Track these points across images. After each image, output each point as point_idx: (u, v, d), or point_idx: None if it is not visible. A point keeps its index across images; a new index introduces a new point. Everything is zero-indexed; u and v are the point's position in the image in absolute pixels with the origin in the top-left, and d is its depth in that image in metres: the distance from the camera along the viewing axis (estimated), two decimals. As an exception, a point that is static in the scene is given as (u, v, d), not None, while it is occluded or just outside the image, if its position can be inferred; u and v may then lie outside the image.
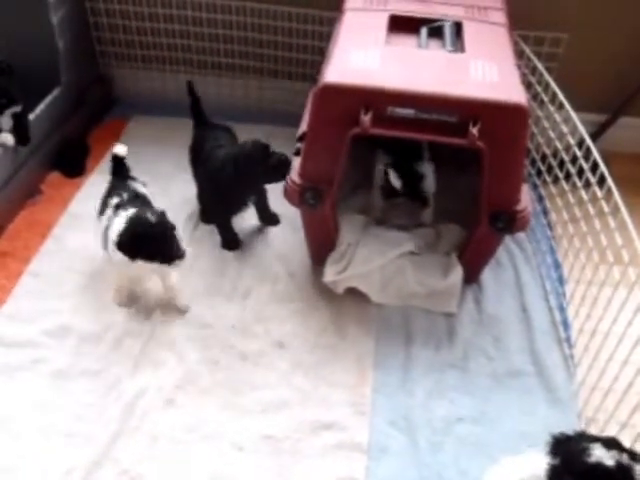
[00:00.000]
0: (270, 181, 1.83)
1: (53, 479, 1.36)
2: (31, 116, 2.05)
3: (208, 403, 1.52)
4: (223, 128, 2.03)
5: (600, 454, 1.05)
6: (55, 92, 2.19)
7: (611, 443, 1.08)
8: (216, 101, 2.47)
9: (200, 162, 1.93)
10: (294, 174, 1.62)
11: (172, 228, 1.60)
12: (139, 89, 2.54)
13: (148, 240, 1.56)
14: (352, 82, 1.49)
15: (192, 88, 2.02)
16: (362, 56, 1.58)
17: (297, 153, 1.67)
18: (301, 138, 1.66)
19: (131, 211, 1.63)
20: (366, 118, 1.45)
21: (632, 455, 1.06)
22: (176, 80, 2.47)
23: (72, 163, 2.23)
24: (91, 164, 2.25)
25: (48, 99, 2.15)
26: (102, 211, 1.74)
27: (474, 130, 1.44)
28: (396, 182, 1.75)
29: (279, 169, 1.73)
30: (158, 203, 2.07)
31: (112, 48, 2.47)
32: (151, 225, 1.57)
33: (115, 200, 1.71)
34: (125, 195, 1.72)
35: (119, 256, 1.59)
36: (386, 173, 1.77)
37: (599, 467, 1.04)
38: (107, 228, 1.67)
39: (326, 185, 1.59)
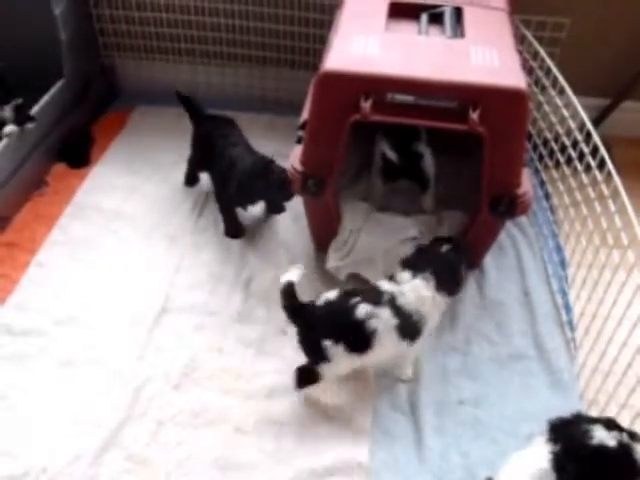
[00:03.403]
0: (273, 197, 1.88)
1: (61, 465, 1.38)
2: (35, 108, 2.07)
3: (213, 389, 1.54)
4: (226, 120, 2.04)
5: (601, 436, 1.06)
6: (59, 84, 2.21)
7: (610, 424, 1.09)
8: (219, 90, 2.49)
9: (214, 161, 1.94)
10: (296, 162, 1.63)
11: None
12: (142, 79, 2.55)
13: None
14: (352, 69, 1.49)
15: (181, 96, 2.04)
16: (362, 43, 1.58)
17: (299, 141, 1.67)
18: (303, 126, 1.66)
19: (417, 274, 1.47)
20: (366, 105, 1.46)
21: (631, 434, 1.07)
22: (179, 70, 2.49)
23: (77, 154, 2.25)
24: (95, 155, 2.26)
25: (52, 91, 2.17)
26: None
27: (474, 115, 1.44)
28: (392, 155, 1.77)
29: (279, 187, 1.75)
30: (161, 192, 2.12)
31: (114, 39, 2.48)
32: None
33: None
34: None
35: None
36: (382, 149, 1.78)
37: (602, 449, 1.05)
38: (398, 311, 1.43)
39: (327, 172, 1.60)
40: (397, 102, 1.49)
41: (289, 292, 1.44)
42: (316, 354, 1.44)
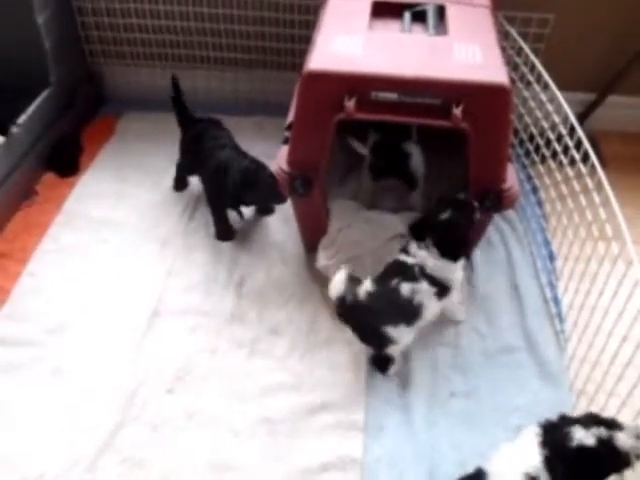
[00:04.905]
0: (264, 203, 1.91)
1: (58, 471, 1.39)
2: (22, 118, 2.06)
3: (207, 390, 1.54)
4: (214, 122, 2.05)
5: (580, 436, 1.09)
6: (45, 93, 2.20)
7: (589, 420, 1.11)
8: (206, 94, 2.50)
9: (202, 161, 1.95)
10: (282, 163, 1.64)
11: None
12: (129, 86, 2.56)
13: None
14: (335, 68, 1.50)
15: (177, 83, 2.03)
16: (345, 42, 1.59)
17: (285, 142, 1.69)
18: (289, 127, 1.67)
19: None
20: (350, 103, 1.47)
21: (611, 425, 1.09)
22: (165, 75, 2.46)
23: (66, 162, 2.24)
24: (85, 163, 2.26)
25: (38, 100, 2.16)
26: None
27: (457, 111, 1.46)
28: (361, 149, 1.79)
29: (270, 194, 1.77)
30: (151, 197, 2.12)
31: (100, 46, 2.48)
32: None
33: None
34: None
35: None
36: (351, 144, 1.80)
37: (582, 449, 1.08)
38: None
39: (314, 172, 1.61)
40: (381, 100, 1.50)
41: (342, 304, 1.52)
42: (381, 341, 1.53)
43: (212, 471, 1.40)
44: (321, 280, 1.78)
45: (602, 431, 1.08)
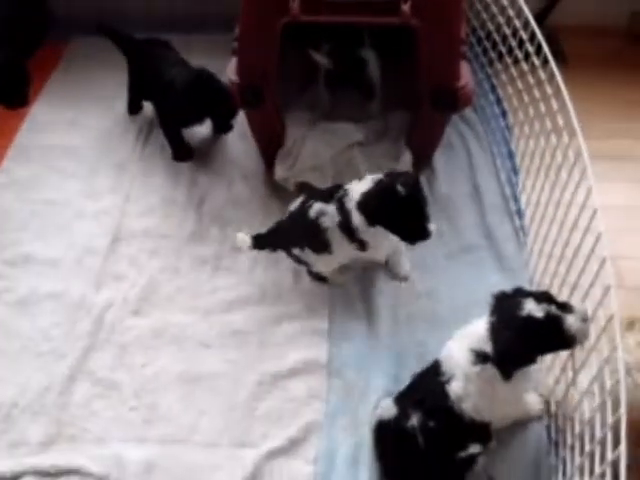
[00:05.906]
0: (216, 109, 1.83)
1: (32, 397, 1.41)
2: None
3: (173, 309, 1.56)
4: (161, 43, 1.97)
5: (530, 307, 1.11)
6: (-22, 19, 2.09)
7: (543, 297, 1.13)
8: (156, 13, 2.38)
9: (152, 82, 1.89)
10: (232, 74, 1.60)
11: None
12: (75, 8, 2.42)
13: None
14: (277, -31, 1.44)
15: (103, 27, 1.99)
16: (287, -58, 1.51)
17: (234, 53, 1.63)
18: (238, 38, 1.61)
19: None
20: (295, 5, 1.41)
21: (563, 306, 1.12)
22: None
23: (13, 93, 2.14)
24: (34, 92, 2.17)
25: (-27, 26, 2.05)
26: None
27: (406, 7, 1.41)
28: (322, 60, 1.74)
29: (222, 97, 1.72)
30: (104, 123, 2.06)
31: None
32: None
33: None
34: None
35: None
36: (310, 55, 1.74)
37: (530, 319, 1.10)
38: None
39: (264, 81, 1.57)
40: (327, 1, 1.44)
41: (257, 243, 1.52)
42: (297, 261, 1.52)
43: (184, 383, 1.44)
44: (281, 193, 1.77)
45: (553, 309, 1.10)
